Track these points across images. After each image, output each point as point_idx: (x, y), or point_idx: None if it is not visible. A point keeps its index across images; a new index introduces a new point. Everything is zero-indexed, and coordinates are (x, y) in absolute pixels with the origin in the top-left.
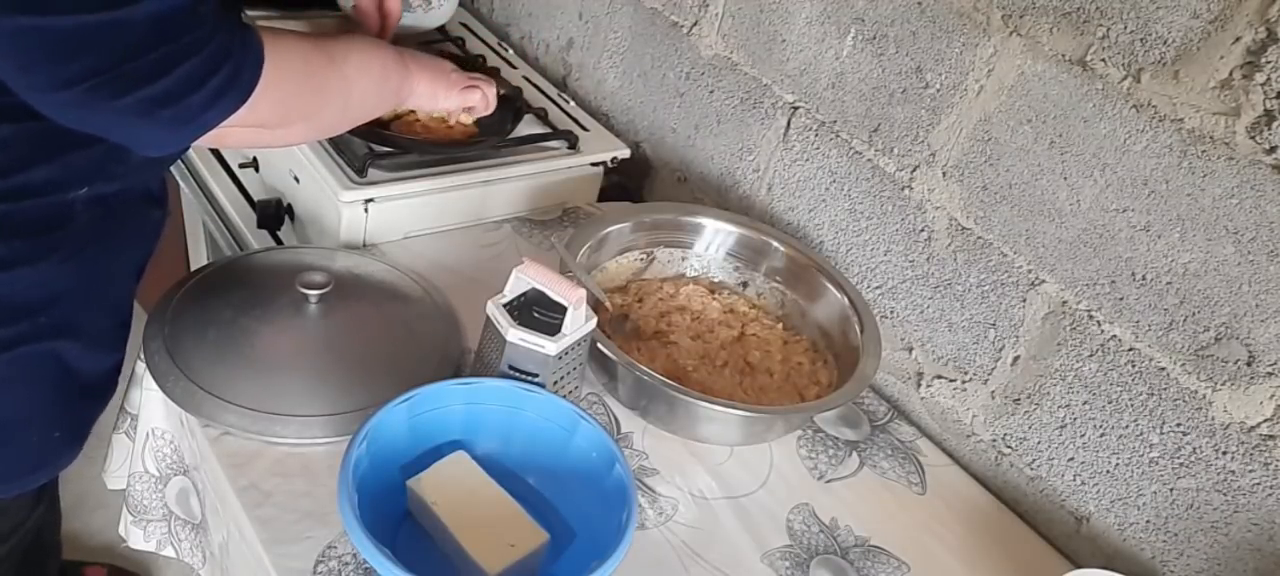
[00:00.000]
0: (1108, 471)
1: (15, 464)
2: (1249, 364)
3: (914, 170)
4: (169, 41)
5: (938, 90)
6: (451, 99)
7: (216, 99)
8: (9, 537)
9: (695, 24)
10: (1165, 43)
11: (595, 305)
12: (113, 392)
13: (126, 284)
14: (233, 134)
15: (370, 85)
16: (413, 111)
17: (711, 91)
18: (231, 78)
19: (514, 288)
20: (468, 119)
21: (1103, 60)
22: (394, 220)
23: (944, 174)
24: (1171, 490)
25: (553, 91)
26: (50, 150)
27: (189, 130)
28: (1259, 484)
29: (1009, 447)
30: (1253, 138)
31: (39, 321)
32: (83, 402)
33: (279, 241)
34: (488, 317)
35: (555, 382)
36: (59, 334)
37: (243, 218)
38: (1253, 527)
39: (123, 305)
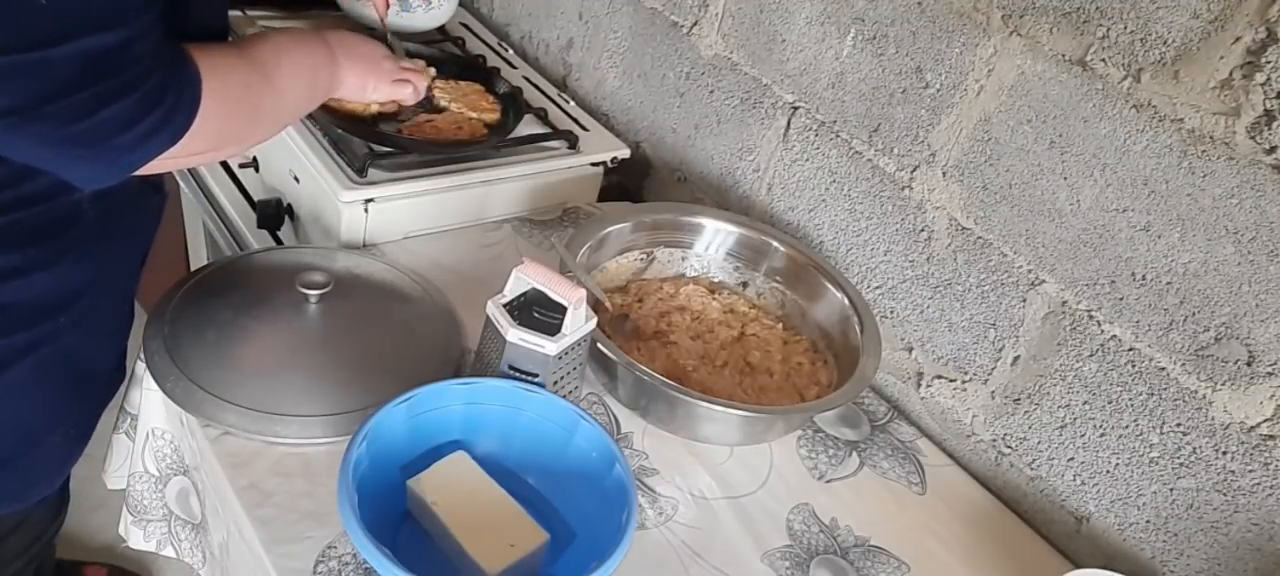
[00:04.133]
0: (1108, 471)
1: (41, 468)
2: (1249, 364)
3: (914, 170)
4: (95, 83)
5: (938, 90)
6: (381, 90)
7: (145, 140)
8: (30, 548)
9: (695, 24)
10: (1165, 43)
11: (595, 305)
12: (121, 382)
13: (133, 274)
14: (165, 162)
15: (302, 91)
16: (421, 113)
17: (711, 91)
18: (164, 119)
19: (514, 288)
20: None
21: (1103, 60)
22: (394, 220)
23: (944, 174)
24: (1171, 490)
25: (553, 91)
26: None
27: (115, 170)
28: (1259, 484)
29: (1009, 447)
30: (1253, 138)
31: (59, 321)
32: (95, 396)
33: (279, 241)
34: (488, 318)
35: (555, 382)
36: (75, 331)
37: (243, 218)
38: (1253, 527)
39: (129, 295)
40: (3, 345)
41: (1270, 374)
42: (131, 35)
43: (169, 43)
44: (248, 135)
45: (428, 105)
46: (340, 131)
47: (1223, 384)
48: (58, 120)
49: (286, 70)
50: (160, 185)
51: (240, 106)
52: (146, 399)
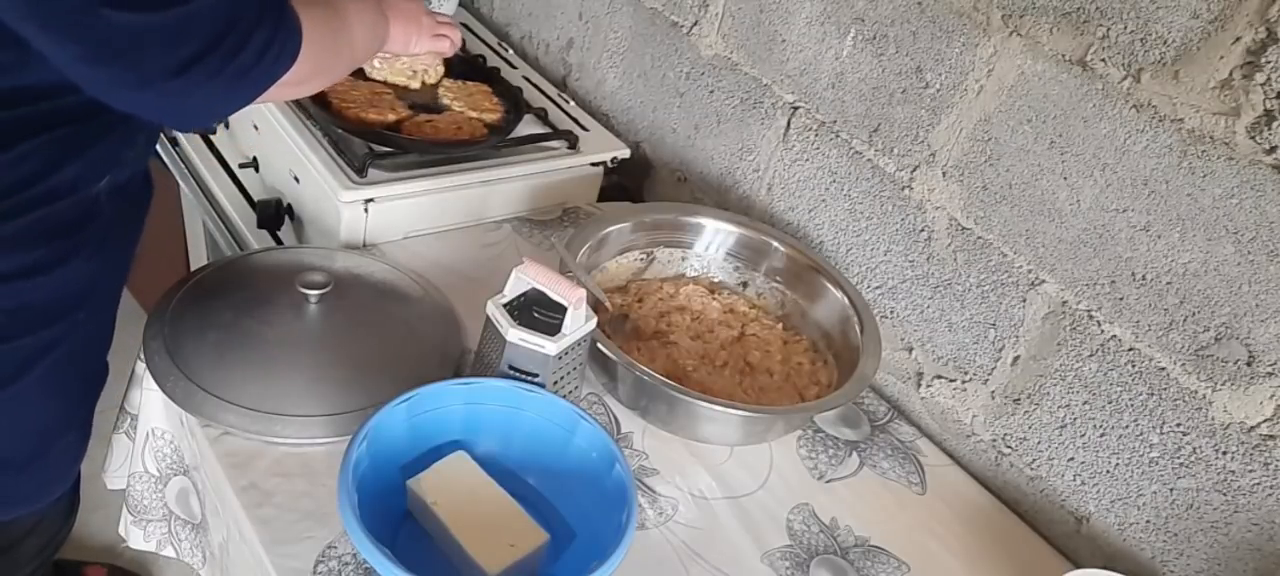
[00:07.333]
0: (1108, 471)
1: (55, 467)
2: (1249, 364)
3: (914, 170)
4: (243, 14)
5: (938, 90)
6: (423, 43)
7: (277, 62)
8: (44, 550)
9: (695, 24)
10: (1165, 43)
11: (595, 305)
12: (107, 374)
13: (129, 267)
14: (267, 94)
15: (366, 36)
16: (421, 113)
17: (711, 91)
18: (286, 40)
19: (514, 288)
20: (434, 61)
21: (1103, 60)
22: (394, 220)
23: (944, 174)
24: (1171, 490)
25: (553, 91)
26: (76, 148)
27: (256, 93)
28: (1259, 484)
29: (1009, 447)
30: (1253, 138)
31: (77, 317)
32: (96, 391)
33: (279, 241)
34: (488, 318)
35: (555, 382)
36: (87, 326)
37: (243, 218)
38: (1253, 527)
39: (122, 289)
40: (29, 343)
41: (1270, 374)
42: None
43: None
44: (332, 65)
45: (428, 105)
46: (340, 131)
47: (1223, 384)
48: (228, 56)
49: (354, 13)
50: (150, 177)
51: (327, 34)
52: (146, 399)
